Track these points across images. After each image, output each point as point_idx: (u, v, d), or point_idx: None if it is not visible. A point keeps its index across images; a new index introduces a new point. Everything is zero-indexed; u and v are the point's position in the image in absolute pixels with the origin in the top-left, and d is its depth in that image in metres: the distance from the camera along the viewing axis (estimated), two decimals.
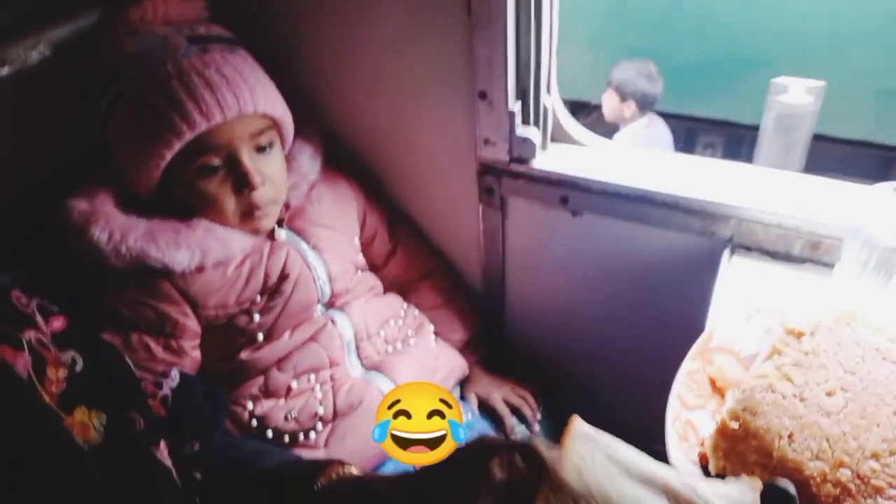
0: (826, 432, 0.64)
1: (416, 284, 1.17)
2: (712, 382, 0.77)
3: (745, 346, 0.80)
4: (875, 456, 0.62)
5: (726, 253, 0.95)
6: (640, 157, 1.03)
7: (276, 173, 0.95)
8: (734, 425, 0.67)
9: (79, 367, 0.55)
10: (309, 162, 1.04)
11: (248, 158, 0.90)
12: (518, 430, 1.10)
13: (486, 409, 1.12)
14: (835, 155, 3.36)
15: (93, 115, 0.92)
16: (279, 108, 0.95)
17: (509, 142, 1.01)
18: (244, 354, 0.96)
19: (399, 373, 1.02)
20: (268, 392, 0.96)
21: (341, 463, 0.62)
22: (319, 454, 0.93)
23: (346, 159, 1.13)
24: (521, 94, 0.99)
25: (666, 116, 3.05)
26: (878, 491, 0.61)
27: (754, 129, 3.09)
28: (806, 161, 2.96)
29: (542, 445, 0.47)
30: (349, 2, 0.99)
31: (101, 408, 0.53)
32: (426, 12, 0.94)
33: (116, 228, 0.88)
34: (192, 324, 0.94)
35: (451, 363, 1.11)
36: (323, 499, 0.58)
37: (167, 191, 0.93)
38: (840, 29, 4.82)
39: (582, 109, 3.73)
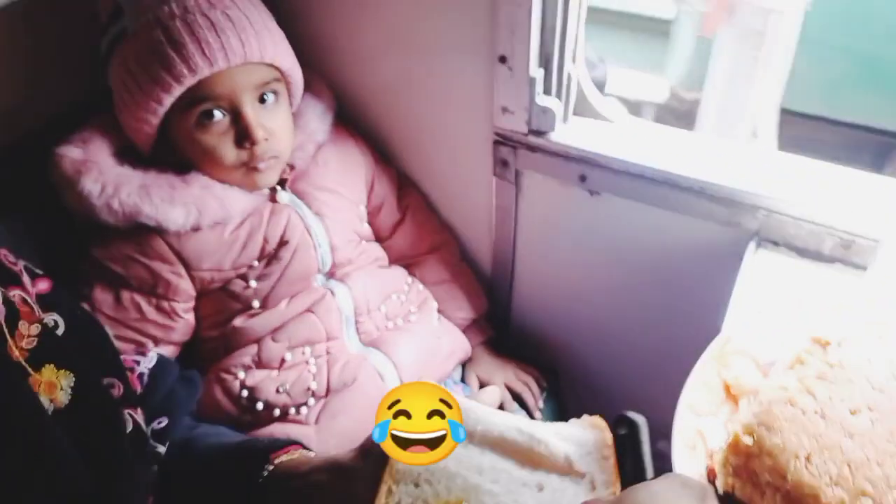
0: (848, 456, 0.59)
1: (423, 257, 1.12)
2: (727, 388, 0.72)
3: (766, 351, 0.74)
4: None
5: (751, 246, 0.89)
6: (667, 137, 0.96)
7: (281, 128, 0.90)
8: (748, 441, 0.62)
9: (60, 330, 0.54)
10: (318, 121, 0.99)
11: (250, 110, 0.85)
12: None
13: None
14: None
15: (97, 57, 0.87)
16: (288, 60, 0.89)
17: (528, 111, 0.94)
18: (238, 321, 0.93)
19: (398, 351, 0.98)
20: (260, 362, 0.92)
21: (297, 444, 0.62)
22: (309, 431, 0.90)
23: (353, 121, 1.08)
24: (545, 62, 0.93)
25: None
26: None
27: None
28: None
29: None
30: None
31: (71, 369, 0.52)
32: None
33: (109, 181, 0.83)
34: (186, 285, 0.90)
35: (454, 343, 1.06)
36: (275, 480, 0.57)
37: (167, 144, 0.89)
38: None
39: None
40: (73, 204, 0.84)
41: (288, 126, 0.92)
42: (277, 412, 0.91)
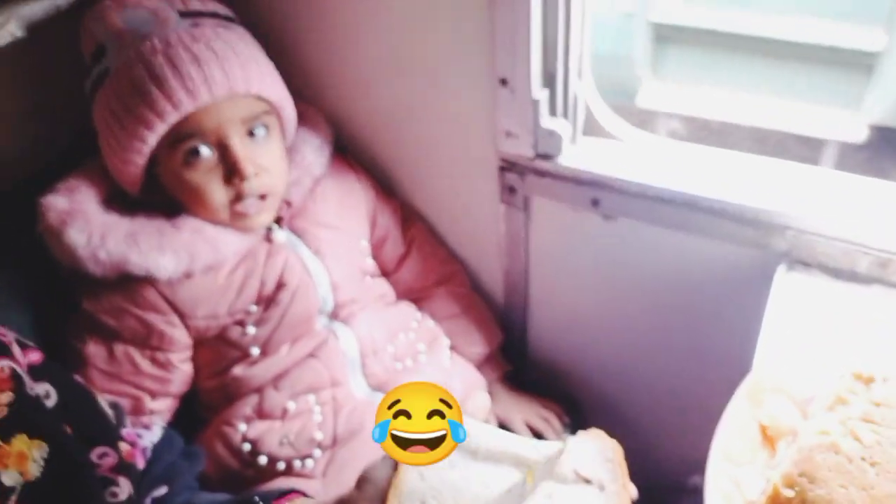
0: None
1: (432, 291, 1.06)
2: (762, 430, 0.66)
3: (803, 387, 0.68)
4: None
5: (781, 269, 0.82)
6: (684, 155, 0.90)
7: (273, 164, 0.86)
8: (789, 493, 0.56)
9: (51, 400, 0.52)
10: (314, 154, 0.95)
11: (238, 143, 0.82)
12: None
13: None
14: None
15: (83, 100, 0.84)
16: (276, 91, 0.86)
17: (534, 135, 0.89)
18: (237, 370, 0.88)
19: None
20: (262, 413, 0.87)
21: (298, 492, 0.59)
22: (316, 484, 0.85)
23: (352, 152, 1.03)
24: (549, 81, 0.88)
25: None
26: None
27: None
28: None
29: None
30: None
31: (45, 440, 0.49)
32: None
33: (95, 230, 0.80)
34: (181, 335, 0.86)
35: (468, 382, 1.00)
36: None
37: (156, 186, 0.85)
38: None
39: None
40: (59, 255, 0.80)
41: (281, 161, 0.88)
42: (282, 465, 0.86)
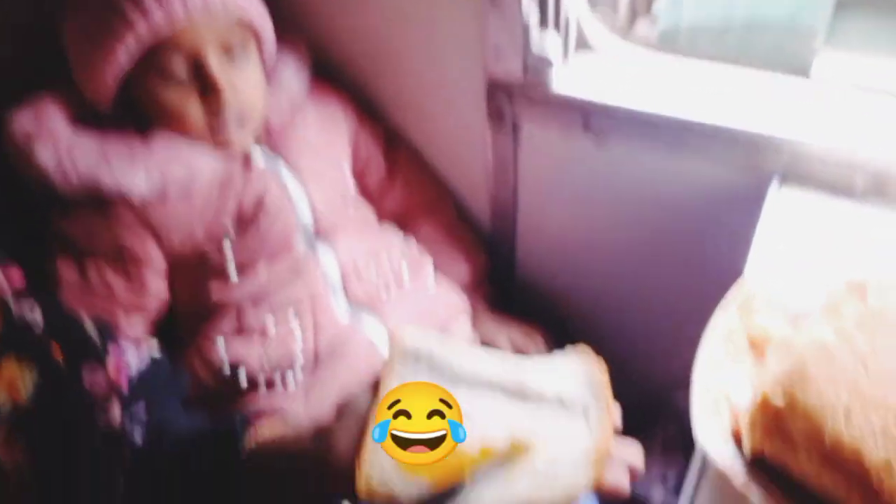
0: (894, 410, 0.52)
1: (416, 217, 1.04)
2: (752, 342, 0.64)
3: (794, 299, 0.66)
4: None
5: (773, 187, 0.80)
6: (678, 72, 0.87)
7: (252, 85, 0.83)
8: (779, 400, 0.54)
9: (38, 323, 0.51)
10: (293, 76, 0.91)
11: (216, 63, 0.79)
12: None
13: None
14: None
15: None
16: (255, 10, 0.82)
17: (523, 52, 0.86)
18: (215, 291, 0.86)
19: (391, 315, 0.90)
20: (241, 330, 0.86)
21: (272, 414, 0.60)
22: (297, 404, 0.83)
23: (334, 74, 0.99)
24: None
25: None
26: None
27: None
28: None
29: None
30: None
31: (35, 362, 0.48)
32: None
33: (64, 148, 0.77)
34: (156, 254, 0.83)
35: (452, 306, 0.99)
36: (254, 457, 0.53)
37: (127, 104, 0.82)
38: None
39: None
40: (27, 175, 0.78)
41: (259, 83, 0.85)
42: (262, 385, 0.84)
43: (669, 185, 0.89)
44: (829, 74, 0.88)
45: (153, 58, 0.76)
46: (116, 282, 0.82)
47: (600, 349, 0.57)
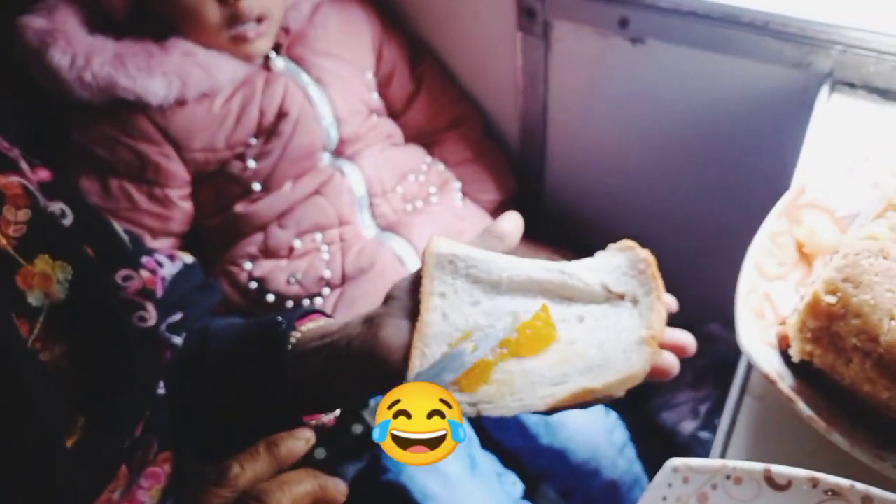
0: None
1: (442, 134, 1.00)
2: (799, 248, 0.61)
3: (844, 204, 0.63)
4: None
5: (824, 90, 0.75)
6: None
7: None
8: (830, 300, 0.51)
9: (68, 219, 0.49)
10: None
11: None
12: None
13: None
14: None
15: None
16: None
17: None
18: (239, 207, 0.84)
19: (418, 234, 0.88)
20: (268, 251, 0.84)
21: (319, 313, 0.56)
22: None
23: None
24: None
25: None
26: None
27: None
28: None
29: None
30: None
31: (69, 261, 0.46)
32: None
33: (80, 51, 0.74)
34: (178, 168, 0.81)
35: (479, 226, 0.96)
36: (302, 347, 0.51)
37: (141, 10, 0.78)
38: None
39: None
40: (43, 79, 0.76)
41: None
42: (290, 304, 0.83)
43: (712, 88, 0.84)
44: None
45: None
46: (140, 199, 0.81)
47: None
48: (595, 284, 0.49)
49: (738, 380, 0.59)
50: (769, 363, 0.53)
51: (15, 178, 0.45)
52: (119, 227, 0.57)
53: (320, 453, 0.44)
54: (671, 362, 0.45)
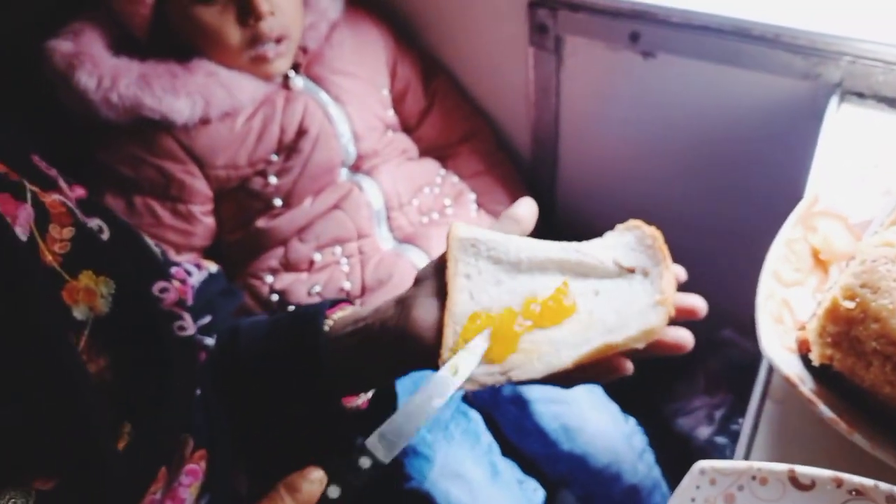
0: None
1: (456, 148, 1.02)
2: (815, 254, 0.63)
3: (857, 211, 0.64)
4: None
5: (834, 100, 0.77)
6: None
7: (288, 4, 0.81)
8: (849, 305, 0.53)
9: (105, 235, 0.51)
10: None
11: None
12: None
13: None
14: None
15: None
16: None
17: None
18: (261, 222, 0.86)
19: (435, 245, 0.90)
20: (288, 265, 0.86)
21: (347, 302, 0.58)
22: None
23: None
24: None
25: None
26: None
27: None
28: None
29: None
30: None
31: (111, 276, 0.48)
32: None
33: (106, 73, 0.76)
34: (201, 185, 0.83)
35: None
36: (335, 334, 0.53)
37: (165, 30, 0.80)
38: None
39: None
40: (69, 100, 0.78)
41: (296, 4, 0.83)
42: None
43: (723, 101, 0.86)
44: None
45: None
46: (164, 215, 0.82)
47: None
48: (607, 261, 0.52)
49: (759, 384, 0.60)
50: (790, 367, 0.54)
51: (57, 197, 0.47)
52: (150, 241, 0.59)
53: (333, 492, 0.44)
54: (685, 337, 0.47)
